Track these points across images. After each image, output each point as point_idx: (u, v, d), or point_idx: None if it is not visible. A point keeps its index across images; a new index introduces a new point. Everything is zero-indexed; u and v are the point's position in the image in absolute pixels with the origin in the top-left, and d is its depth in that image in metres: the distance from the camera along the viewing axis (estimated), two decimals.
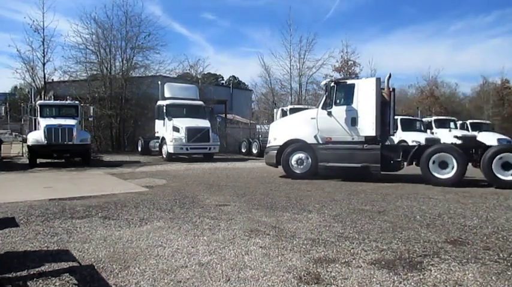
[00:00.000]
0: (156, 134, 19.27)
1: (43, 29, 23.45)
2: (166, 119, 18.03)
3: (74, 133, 14.30)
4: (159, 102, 19.04)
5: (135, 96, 25.22)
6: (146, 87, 24.94)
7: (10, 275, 3.44)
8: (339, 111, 10.51)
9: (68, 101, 16.96)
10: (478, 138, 18.27)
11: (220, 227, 5.18)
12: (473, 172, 9.95)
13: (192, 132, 17.12)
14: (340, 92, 10.70)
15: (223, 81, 54.44)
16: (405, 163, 10.15)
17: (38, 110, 15.35)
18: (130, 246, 4.35)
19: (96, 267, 3.66)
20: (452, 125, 22.57)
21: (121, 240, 4.58)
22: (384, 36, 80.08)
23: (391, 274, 3.50)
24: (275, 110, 22.52)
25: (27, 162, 14.80)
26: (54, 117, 15.15)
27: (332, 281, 3.34)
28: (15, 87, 42.92)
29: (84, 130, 16.41)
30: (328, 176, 10.54)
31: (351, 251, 4.17)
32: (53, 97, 21.11)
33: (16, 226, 5.22)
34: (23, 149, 18.36)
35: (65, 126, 14.26)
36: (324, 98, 10.88)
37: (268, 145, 11.93)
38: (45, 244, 4.40)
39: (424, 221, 5.56)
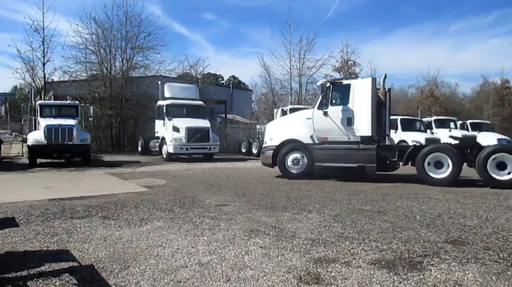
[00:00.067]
0: (156, 134, 19.26)
1: (43, 29, 23.51)
2: (166, 119, 18.03)
3: (74, 133, 14.31)
4: (159, 102, 19.05)
5: (135, 96, 25.21)
6: (146, 87, 24.94)
7: (10, 275, 3.44)
8: (335, 111, 10.53)
9: (68, 101, 16.96)
10: (478, 139, 18.32)
11: (220, 227, 5.18)
12: (468, 171, 9.96)
13: (192, 133, 17.12)
14: (336, 92, 10.74)
15: (223, 81, 54.44)
16: (401, 163, 10.15)
17: (38, 110, 15.36)
18: (130, 246, 4.35)
19: (96, 267, 3.66)
20: (452, 125, 22.56)
21: (121, 240, 4.59)
22: (383, 36, 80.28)
23: (391, 274, 3.50)
24: (275, 110, 22.55)
25: (27, 162, 14.80)
26: (54, 117, 15.15)
27: (332, 281, 3.34)
28: (15, 87, 43.02)
29: (84, 130, 16.41)
30: (327, 176, 10.54)
31: (351, 251, 4.17)
32: (53, 97, 21.08)
33: (16, 226, 5.22)
34: (23, 149, 18.36)
35: (65, 127, 14.26)
36: (320, 98, 10.89)
37: (264, 145, 11.91)
38: (45, 244, 4.40)
39: (424, 221, 5.56)
